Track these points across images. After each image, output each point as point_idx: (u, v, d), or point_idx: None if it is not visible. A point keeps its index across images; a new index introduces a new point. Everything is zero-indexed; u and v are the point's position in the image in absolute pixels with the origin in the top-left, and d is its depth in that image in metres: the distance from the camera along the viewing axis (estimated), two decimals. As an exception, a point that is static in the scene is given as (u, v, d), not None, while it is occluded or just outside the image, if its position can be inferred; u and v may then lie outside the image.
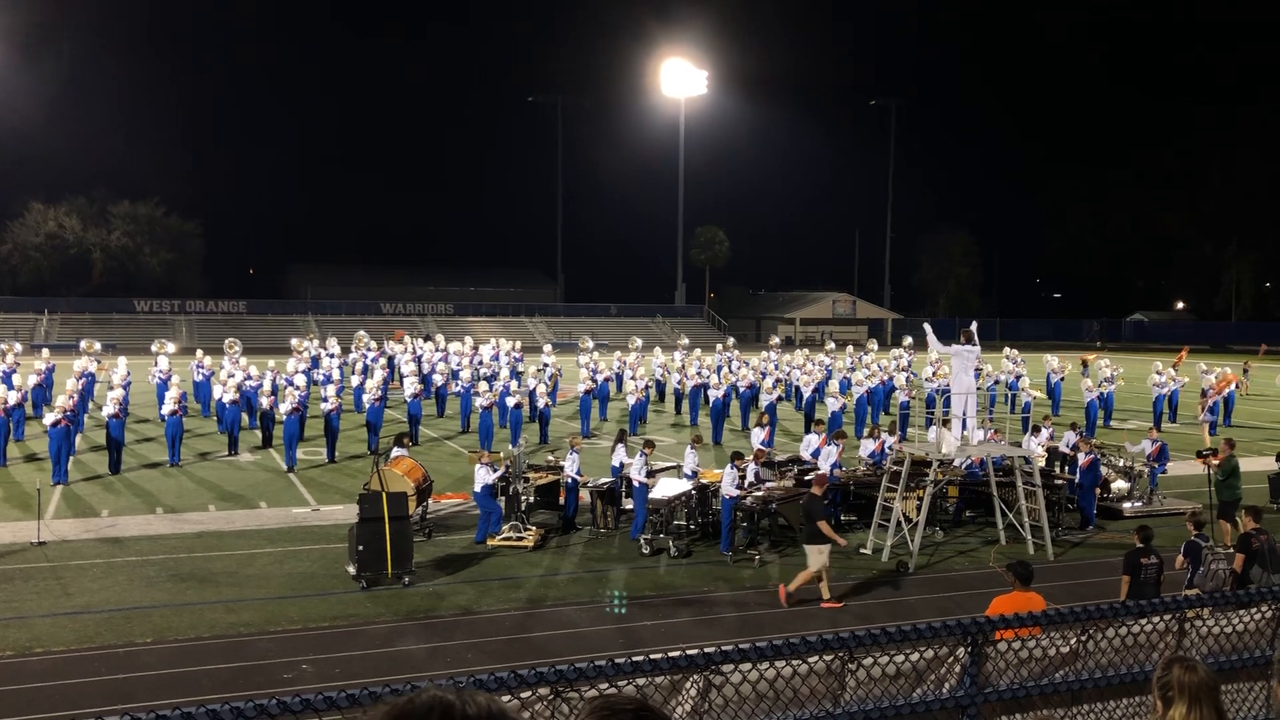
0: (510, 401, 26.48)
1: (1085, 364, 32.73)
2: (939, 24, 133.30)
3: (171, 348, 32.89)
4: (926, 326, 20.30)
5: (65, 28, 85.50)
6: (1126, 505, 19.20)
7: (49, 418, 21.16)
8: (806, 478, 18.36)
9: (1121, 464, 20.47)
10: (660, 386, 35.85)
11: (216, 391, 27.43)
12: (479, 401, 26.06)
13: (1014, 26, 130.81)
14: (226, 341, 33.85)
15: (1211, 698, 3.25)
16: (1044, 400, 33.32)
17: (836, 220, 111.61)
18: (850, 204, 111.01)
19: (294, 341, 35.36)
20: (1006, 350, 39.76)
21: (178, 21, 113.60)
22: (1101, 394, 30.38)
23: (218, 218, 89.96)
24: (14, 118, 73.44)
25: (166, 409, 23.25)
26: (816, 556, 13.69)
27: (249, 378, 27.75)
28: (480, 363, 34.48)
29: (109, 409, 22.12)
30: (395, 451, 17.82)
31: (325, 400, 24.51)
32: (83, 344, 33.84)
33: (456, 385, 31.14)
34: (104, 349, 35.71)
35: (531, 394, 27.87)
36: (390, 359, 36.05)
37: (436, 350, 36.52)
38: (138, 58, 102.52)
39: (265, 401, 25.39)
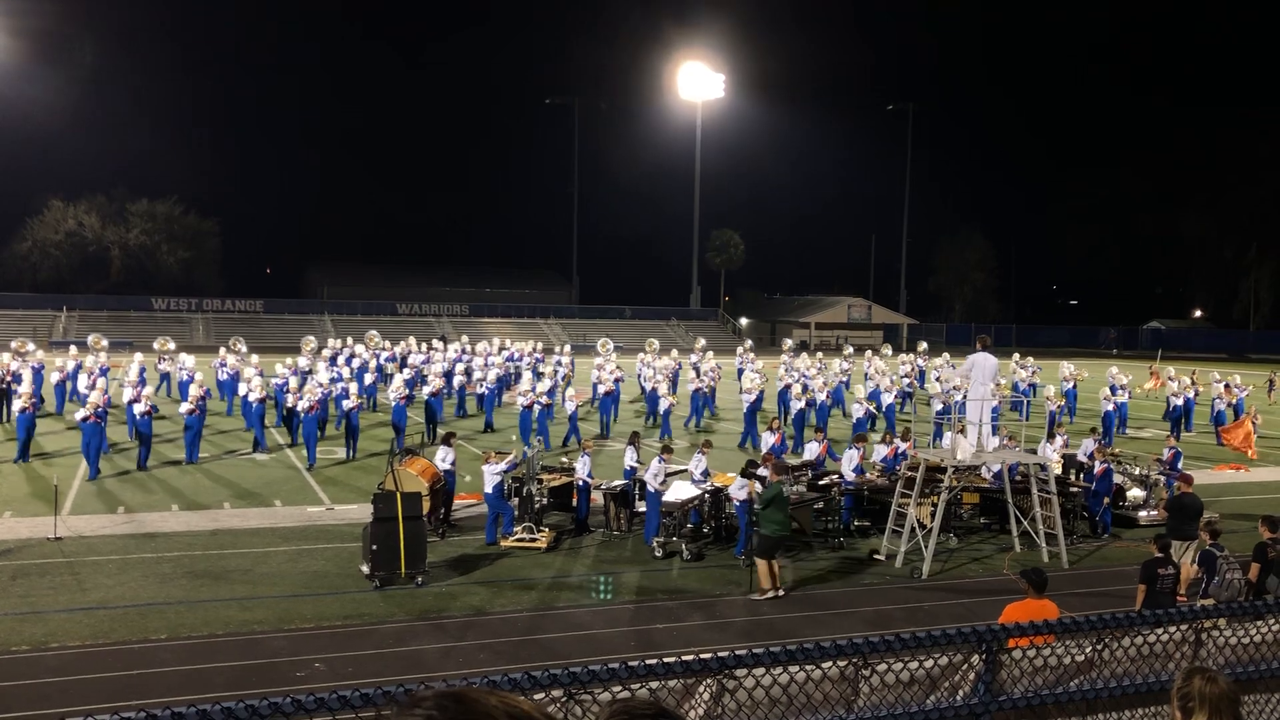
0: (522, 401, 26.68)
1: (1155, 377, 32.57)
2: (956, 28, 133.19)
3: (172, 345, 33.04)
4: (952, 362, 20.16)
5: (86, 28, 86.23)
6: (1142, 514, 19.09)
7: (80, 413, 21.48)
8: (820, 482, 18.34)
9: (1137, 472, 20.36)
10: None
11: (242, 389, 27.81)
12: (520, 400, 26.38)
13: (1032, 30, 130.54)
14: (231, 340, 34.23)
15: (1232, 709, 3.23)
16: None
17: (852, 224, 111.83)
18: (866, 208, 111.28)
19: (303, 341, 35.57)
20: (1015, 357, 39.69)
21: (197, 22, 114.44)
22: (1116, 403, 30.23)
23: (235, 217, 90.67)
24: (35, 117, 74.15)
25: (185, 408, 23.44)
26: None
27: (273, 376, 28.04)
28: (511, 360, 35.23)
29: (140, 406, 22.36)
30: (441, 450, 17.84)
31: (346, 398, 24.78)
32: (90, 340, 34.05)
33: (482, 386, 31.44)
34: (112, 346, 35.96)
35: (550, 393, 28.09)
36: (403, 359, 36.44)
37: (464, 351, 36.95)
38: (157, 58, 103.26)
39: (291, 399, 25.65)
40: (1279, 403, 37.46)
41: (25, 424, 22.73)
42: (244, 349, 32.37)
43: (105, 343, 34.17)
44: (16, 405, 22.83)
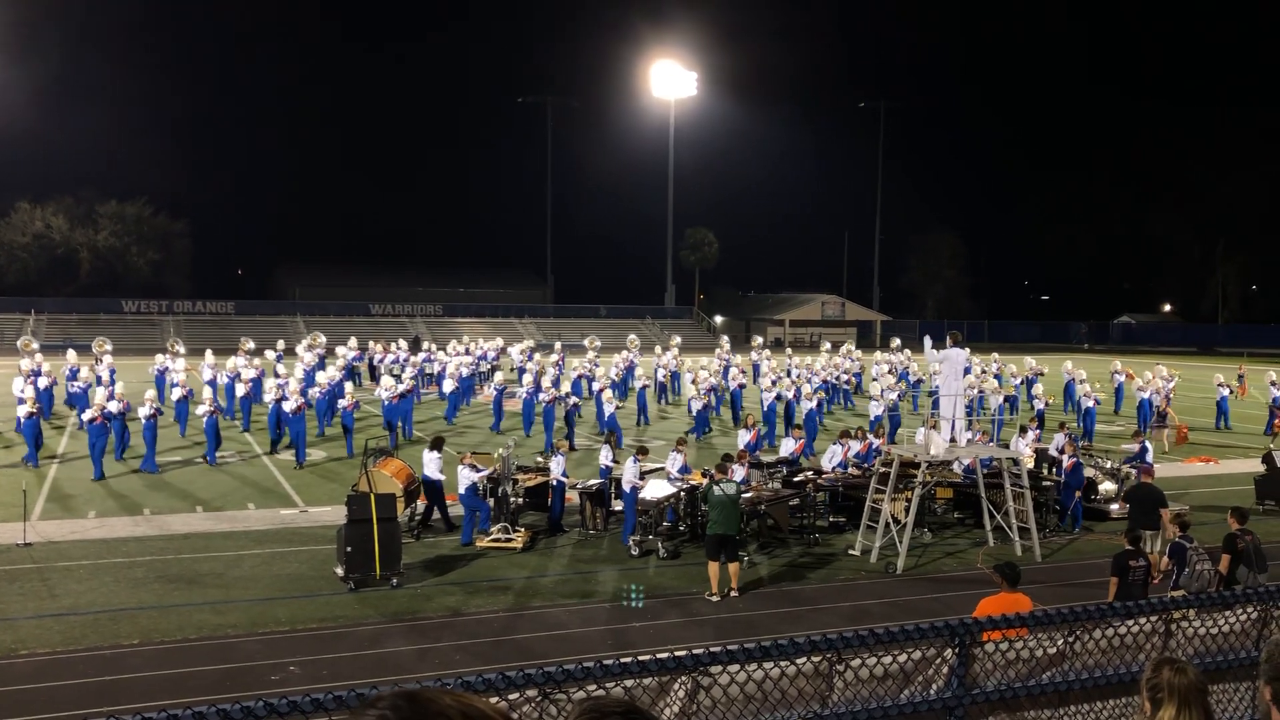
0: (544, 398, 26.78)
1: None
2: (929, 26, 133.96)
3: (109, 345, 32.32)
4: (927, 340, 20.22)
5: (53, 27, 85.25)
6: (1114, 507, 19.26)
7: (87, 414, 21.54)
8: (795, 479, 18.40)
9: (1109, 466, 20.54)
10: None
11: (240, 390, 27.81)
12: (542, 397, 26.59)
13: (1003, 28, 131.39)
14: (169, 341, 33.94)
15: (1200, 699, 3.26)
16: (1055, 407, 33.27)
17: (826, 222, 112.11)
18: (839, 206, 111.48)
19: (241, 340, 34.65)
20: (967, 353, 39.74)
21: (166, 21, 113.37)
22: (1095, 399, 30.46)
23: (205, 218, 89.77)
24: (1, 117, 73.04)
25: (204, 410, 23.31)
26: None
27: (276, 375, 27.97)
28: (484, 359, 35.53)
29: (145, 409, 22.26)
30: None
31: (342, 396, 25.30)
32: (20, 343, 33.22)
33: (489, 387, 31.57)
34: (81, 350, 35.12)
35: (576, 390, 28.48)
36: (371, 359, 36.45)
37: (467, 351, 36.99)
38: (126, 57, 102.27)
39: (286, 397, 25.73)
40: (1243, 395, 37.81)
41: (31, 429, 22.53)
42: (182, 350, 32.06)
43: (35, 345, 33.33)
44: (22, 411, 22.55)
